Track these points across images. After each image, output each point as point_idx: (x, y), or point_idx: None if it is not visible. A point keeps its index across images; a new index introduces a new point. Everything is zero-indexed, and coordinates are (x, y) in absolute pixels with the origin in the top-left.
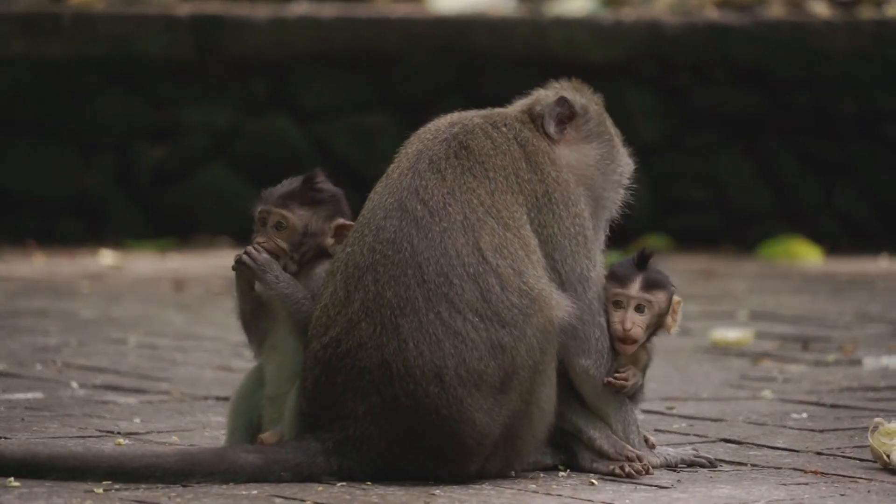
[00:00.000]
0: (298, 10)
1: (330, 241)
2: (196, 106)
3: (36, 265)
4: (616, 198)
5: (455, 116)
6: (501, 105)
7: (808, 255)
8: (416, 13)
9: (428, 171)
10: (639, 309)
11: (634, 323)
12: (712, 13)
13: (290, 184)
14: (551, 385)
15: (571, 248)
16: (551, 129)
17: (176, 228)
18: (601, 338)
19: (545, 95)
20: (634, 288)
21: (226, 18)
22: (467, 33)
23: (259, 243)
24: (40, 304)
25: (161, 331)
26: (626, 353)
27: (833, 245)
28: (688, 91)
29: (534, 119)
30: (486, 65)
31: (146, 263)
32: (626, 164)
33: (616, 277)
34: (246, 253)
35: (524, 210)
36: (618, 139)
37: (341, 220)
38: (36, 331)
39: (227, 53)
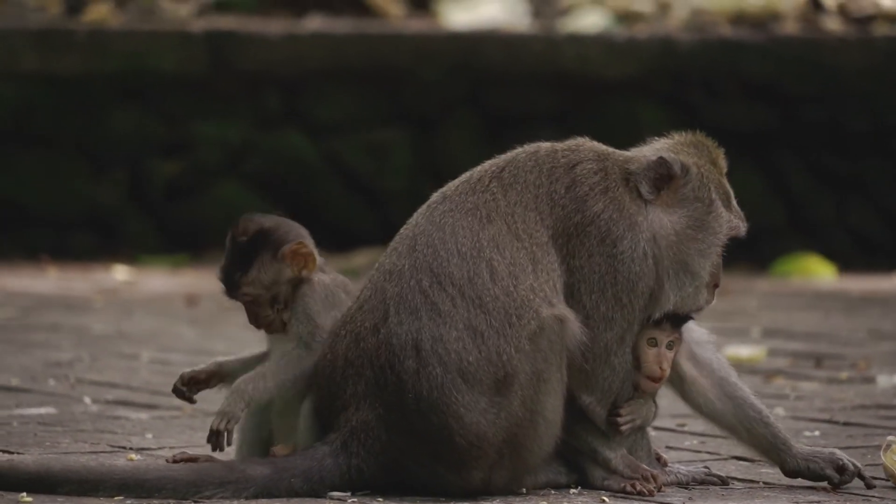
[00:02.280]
0: (312, 25)
1: (289, 272)
2: (209, 121)
3: (49, 280)
4: (699, 266)
5: (551, 143)
6: (514, 118)
7: (821, 272)
8: (430, 29)
9: (465, 175)
10: (668, 346)
11: (668, 361)
12: (726, 29)
13: (226, 257)
14: (556, 396)
15: (598, 285)
16: (644, 190)
17: (189, 243)
18: (609, 377)
19: (649, 151)
20: (666, 326)
21: (239, 34)
22: (480, 49)
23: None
24: (53, 318)
25: (173, 346)
26: (652, 390)
27: (846, 262)
28: (700, 107)
29: (627, 176)
30: (499, 81)
31: (159, 278)
32: (720, 232)
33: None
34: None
35: (548, 233)
36: (719, 204)
37: (286, 248)
38: (49, 346)
39: (241, 69)
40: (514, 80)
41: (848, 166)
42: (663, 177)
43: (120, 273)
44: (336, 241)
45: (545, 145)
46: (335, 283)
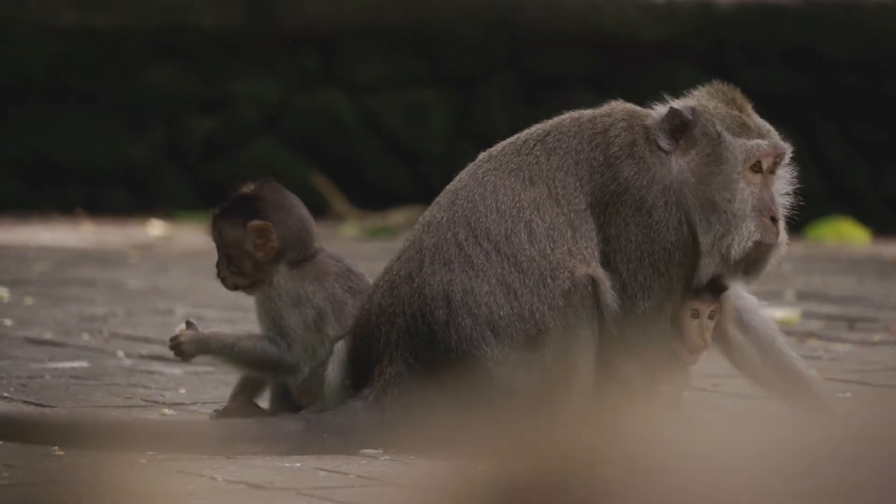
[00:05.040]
0: None
1: (250, 245)
2: (246, 78)
3: (84, 234)
4: (723, 198)
5: (592, 110)
6: (552, 79)
7: (855, 237)
8: None
9: (512, 137)
10: (710, 317)
11: (710, 332)
12: None
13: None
14: (588, 351)
15: (635, 255)
16: (663, 143)
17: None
18: (647, 345)
19: (663, 107)
20: (707, 298)
21: None
22: (519, 9)
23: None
24: (88, 273)
25: (208, 302)
26: (693, 362)
27: (881, 227)
28: (738, 70)
29: (646, 132)
30: (537, 41)
31: (195, 234)
32: (736, 159)
33: (688, 288)
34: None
35: (586, 200)
36: (727, 134)
37: (255, 221)
38: (83, 300)
39: (279, 26)
40: (553, 41)
41: (884, 132)
42: (678, 127)
43: (155, 228)
44: (373, 199)
45: (587, 112)
46: (307, 277)
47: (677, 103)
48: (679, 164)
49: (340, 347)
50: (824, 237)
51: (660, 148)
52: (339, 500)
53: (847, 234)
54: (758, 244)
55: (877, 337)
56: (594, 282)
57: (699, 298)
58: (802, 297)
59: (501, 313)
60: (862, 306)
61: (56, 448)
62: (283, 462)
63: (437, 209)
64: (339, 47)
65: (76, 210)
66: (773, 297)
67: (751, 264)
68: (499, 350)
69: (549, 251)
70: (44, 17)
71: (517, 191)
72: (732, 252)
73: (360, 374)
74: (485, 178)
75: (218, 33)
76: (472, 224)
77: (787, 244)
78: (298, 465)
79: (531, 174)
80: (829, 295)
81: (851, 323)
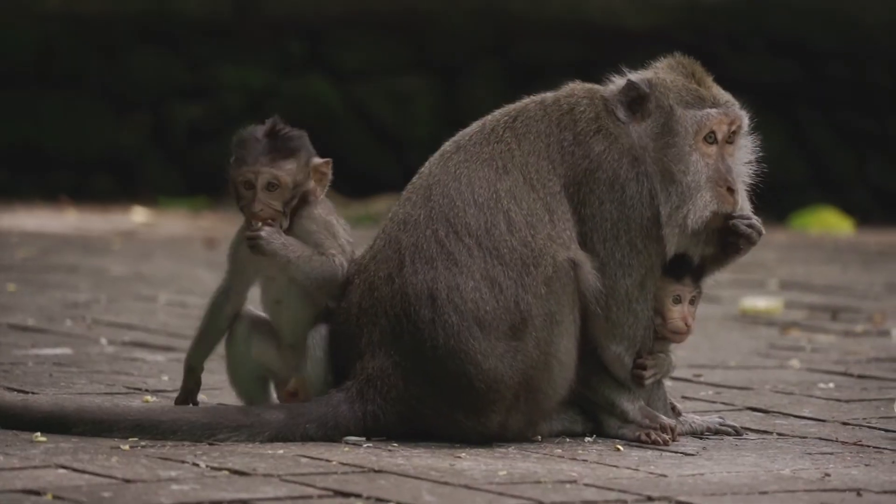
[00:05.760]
0: None
1: (311, 184)
2: (232, 65)
3: (68, 221)
4: (679, 170)
5: (553, 93)
6: (538, 67)
7: (839, 226)
8: None
9: (476, 124)
10: (692, 301)
11: (693, 316)
12: None
13: (257, 138)
14: (569, 338)
15: (611, 233)
16: (621, 115)
17: (209, 187)
18: (633, 324)
19: (621, 80)
20: (688, 282)
21: None
22: None
23: (256, 213)
24: (71, 259)
25: (191, 288)
26: (680, 341)
27: (865, 216)
28: (724, 60)
29: (605, 104)
30: (523, 29)
31: (178, 221)
32: (687, 131)
33: (670, 272)
34: (253, 237)
35: (560, 182)
36: (678, 107)
37: (317, 160)
38: (66, 286)
39: (265, 13)
40: (539, 29)
41: (869, 122)
42: (635, 99)
43: (139, 215)
44: (357, 186)
45: (549, 95)
46: (330, 212)
47: (634, 76)
48: (637, 133)
49: (317, 343)
50: (808, 226)
51: (618, 119)
52: (321, 486)
53: (831, 224)
54: (715, 214)
55: (860, 327)
56: (575, 265)
57: (680, 283)
58: (786, 286)
59: (487, 308)
60: (845, 296)
61: (38, 434)
62: (265, 449)
63: (410, 206)
64: (325, 34)
65: (60, 196)
66: (757, 286)
67: (710, 235)
68: (486, 342)
69: (529, 239)
70: (29, 3)
71: (492, 181)
72: (689, 222)
73: (340, 371)
74: (458, 171)
75: (203, 19)
76: (452, 220)
77: (759, 219)
78: (281, 452)
79: (504, 162)
80: (812, 284)
81: (834, 313)
